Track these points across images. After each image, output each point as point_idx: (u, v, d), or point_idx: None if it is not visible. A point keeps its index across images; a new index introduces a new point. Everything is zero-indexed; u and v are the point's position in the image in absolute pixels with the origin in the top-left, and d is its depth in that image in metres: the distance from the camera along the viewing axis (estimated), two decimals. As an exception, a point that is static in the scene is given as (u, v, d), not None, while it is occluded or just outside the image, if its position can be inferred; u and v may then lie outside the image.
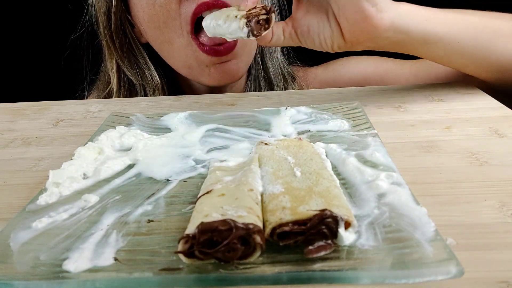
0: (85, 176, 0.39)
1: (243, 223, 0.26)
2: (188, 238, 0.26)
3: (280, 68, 0.76)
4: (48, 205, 0.34)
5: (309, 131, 0.46)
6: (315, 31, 0.50)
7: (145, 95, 0.71)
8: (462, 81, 0.61)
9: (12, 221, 0.32)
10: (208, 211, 0.28)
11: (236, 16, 0.49)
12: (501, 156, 0.40)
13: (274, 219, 0.28)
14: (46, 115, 0.59)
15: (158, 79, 0.70)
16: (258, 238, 0.26)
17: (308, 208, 0.28)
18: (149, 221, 0.32)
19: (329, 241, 0.27)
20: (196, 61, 0.65)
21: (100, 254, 0.28)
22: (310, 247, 0.26)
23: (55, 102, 0.63)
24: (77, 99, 0.67)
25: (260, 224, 0.28)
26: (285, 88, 0.76)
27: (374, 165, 0.37)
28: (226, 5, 0.60)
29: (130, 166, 0.41)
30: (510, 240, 0.29)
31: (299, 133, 0.46)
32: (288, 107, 0.51)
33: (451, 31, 0.51)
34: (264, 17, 0.49)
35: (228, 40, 0.54)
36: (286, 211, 0.28)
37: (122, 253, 0.28)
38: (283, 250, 0.27)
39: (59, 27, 0.86)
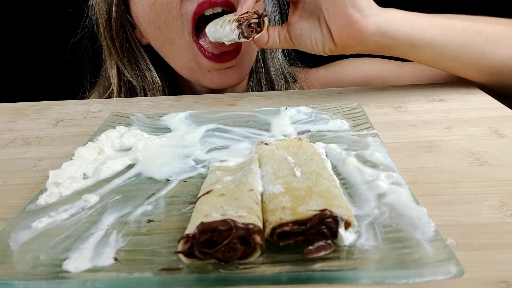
0: (85, 176, 0.39)
1: (243, 223, 0.26)
2: (188, 238, 0.26)
3: (281, 69, 0.76)
4: (48, 205, 0.34)
5: (309, 131, 0.46)
6: (307, 35, 0.54)
7: (146, 96, 0.70)
8: (462, 81, 0.61)
9: (12, 221, 0.32)
10: (208, 211, 0.28)
11: (229, 20, 0.53)
12: (501, 156, 0.40)
13: (274, 219, 0.28)
14: (46, 115, 0.59)
15: (159, 81, 0.70)
16: (258, 238, 0.26)
17: (308, 208, 0.28)
18: (149, 221, 0.32)
19: (329, 241, 0.27)
20: (198, 65, 0.65)
21: (100, 254, 0.28)
22: (310, 247, 0.26)
23: (55, 102, 0.63)
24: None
25: (260, 224, 0.28)
26: (287, 89, 0.76)
27: (374, 165, 0.37)
28: (227, 3, 0.60)
29: (130, 166, 0.41)
30: (510, 240, 0.29)
31: (299, 133, 0.46)
32: (288, 107, 0.51)
33: (439, 36, 0.53)
34: (256, 20, 0.53)
35: (226, 44, 0.57)
36: (286, 211, 0.28)
37: (122, 253, 0.28)
38: (283, 250, 0.27)
39: (59, 29, 0.86)
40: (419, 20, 0.53)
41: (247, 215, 0.28)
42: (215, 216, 0.27)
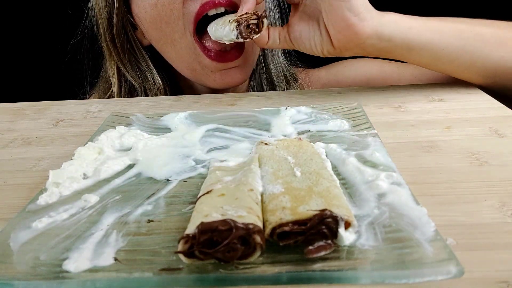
0: (85, 176, 0.39)
1: (243, 223, 0.26)
2: (188, 238, 0.26)
3: (282, 69, 0.76)
4: (48, 205, 0.34)
5: (309, 131, 0.46)
6: (307, 36, 0.56)
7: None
8: (462, 81, 0.61)
9: (12, 221, 0.32)
10: (208, 211, 0.28)
11: (229, 21, 0.55)
12: (501, 156, 0.40)
13: (274, 219, 0.28)
14: (46, 115, 0.59)
15: (160, 82, 0.70)
16: (258, 238, 0.26)
17: (308, 208, 0.28)
18: (149, 221, 0.32)
19: (329, 241, 0.27)
20: (200, 65, 0.65)
21: (100, 254, 0.28)
22: (310, 247, 0.26)
23: (55, 102, 0.63)
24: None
25: (260, 224, 0.28)
26: (287, 89, 0.76)
27: (374, 165, 0.37)
28: (231, 3, 0.60)
29: (130, 166, 0.41)
30: (510, 240, 0.29)
31: (299, 133, 0.46)
32: (288, 107, 0.51)
33: (436, 39, 0.54)
34: (255, 21, 0.54)
35: (226, 43, 0.58)
36: (286, 211, 0.28)
37: (122, 253, 0.28)
38: (283, 250, 0.27)
39: (59, 29, 0.86)
40: (416, 23, 0.54)
41: (247, 215, 0.28)
42: (215, 216, 0.27)
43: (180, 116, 0.51)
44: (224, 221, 0.26)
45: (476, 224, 0.30)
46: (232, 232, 0.26)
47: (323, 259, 0.27)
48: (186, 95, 0.66)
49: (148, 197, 0.35)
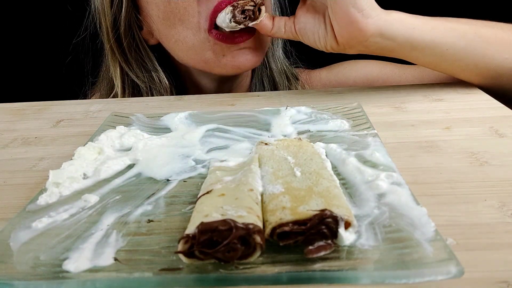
0: (85, 176, 0.39)
1: (243, 223, 0.26)
2: (188, 238, 0.26)
3: (283, 67, 0.76)
4: (48, 205, 0.34)
5: (309, 131, 0.46)
6: (311, 29, 0.56)
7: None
8: (462, 81, 0.61)
9: (12, 221, 0.32)
10: (208, 211, 0.28)
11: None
12: (501, 156, 0.40)
13: (274, 219, 0.28)
14: (46, 115, 0.59)
15: (166, 82, 0.69)
16: (258, 238, 0.26)
17: (308, 208, 0.28)
18: (149, 221, 0.32)
19: (329, 241, 0.27)
20: (213, 53, 0.63)
21: (100, 254, 0.28)
22: (310, 247, 0.26)
23: (55, 102, 0.63)
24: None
25: (260, 224, 0.28)
26: (289, 88, 0.76)
27: (374, 165, 0.37)
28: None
29: (130, 166, 0.41)
30: (510, 240, 0.29)
31: (299, 133, 0.46)
32: (288, 107, 0.51)
33: (439, 39, 0.54)
34: (251, 8, 0.56)
35: (226, 30, 0.59)
36: (286, 211, 0.28)
37: (122, 253, 0.28)
38: (283, 250, 0.27)
39: (59, 29, 0.86)
40: (420, 23, 0.54)
41: (247, 215, 0.28)
42: (215, 216, 0.27)
43: (180, 116, 0.51)
44: (224, 221, 0.26)
45: (476, 224, 0.30)
46: (232, 232, 0.26)
47: (323, 259, 0.26)
48: (186, 95, 0.66)
49: (148, 197, 0.35)
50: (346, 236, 0.27)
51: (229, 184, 0.33)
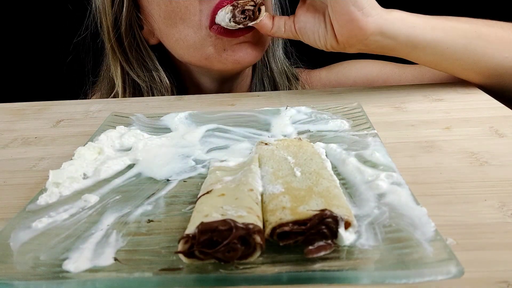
0: (85, 176, 0.39)
1: (243, 223, 0.26)
2: (188, 238, 0.26)
3: (283, 67, 0.76)
4: (48, 205, 0.34)
5: (309, 131, 0.46)
6: (311, 28, 0.56)
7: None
8: (462, 81, 0.61)
9: (12, 221, 0.32)
10: (208, 211, 0.28)
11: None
12: (501, 156, 0.40)
13: (274, 219, 0.28)
14: (46, 115, 0.59)
15: (167, 81, 0.69)
16: (258, 238, 0.26)
17: (308, 208, 0.28)
18: (149, 221, 0.32)
19: (329, 241, 0.27)
20: (214, 48, 0.63)
21: (100, 254, 0.28)
22: (310, 247, 0.26)
23: (55, 102, 0.63)
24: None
25: (260, 224, 0.28)
26: (289, 88, 0.76)
27: (374, 165, 0.37)
28: None
29: (130, 166, 0.41)
30: (510, 240, 0.29)
31: (299, 133, 0.46)
32: (288, 107, 0.51)
33: (440, 38, 0.54)
34: (251, 7, 0.56)
35: (225, 26, 0.59)
36: (286, 211, 0.28)
37: (122, 253, 0.28)
38: (283, 250, 0.27)
39: (59, 28, 0.86)
40: (421, 22, 0.54)
41: (247, 215, 0.28)
42: (215, 216, 0.27)
43: (180, 116, 0.51)
44: (224, 221, 0.26)
45: (476, 224, 0.30)
46: (232, 232, 0.26)
47: (323, 259, 0.26)
48: (186, 95, 0.66)
49: (148, 197, 0.35)
50: (346, 236, 0.27)
51: (229, 184, 0.33)
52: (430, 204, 0.32)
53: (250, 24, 0.57)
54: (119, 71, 0.69)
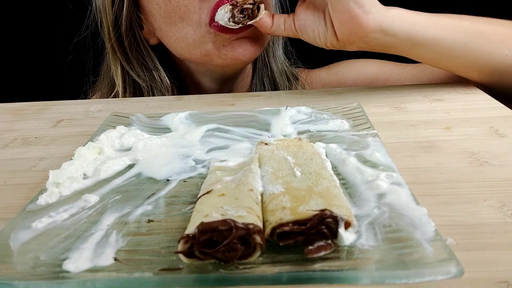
0: (85, 176, 0.39)
1: (243, 223, 0.26)
2: (188, 238, 0.26)
3: (283, 67, 0.76)
4: (48, 205, 0.34)
5: (309, 131, 0.46)
6: (311, 26, 0.56)
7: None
8: (462, 81, 0.61)
9: (12, 221, 0.32)
10: (208, 211, 0.28)
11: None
12: (501, 156, 0.40)
13: (274, 219, 0.28)
14: (46, 115, 0.59)
15: (168, 81, 0.69)
16: (258, 238, 0.26)
17: (308, 208, 0.28)
18: (149, 221, 0.32)
19: (329, 241, 0.27)
20: (214, 44, 0.63)
21: (100, 254, 0.28)
22: (310, 247, 0.26)
23: (55, 102, 0.63)
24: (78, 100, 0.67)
25: (260, 224, 0.28)
26: (289, 88, 0.76)
27: (374, 165, 0.37)
28: None
29: (130, 166, 0.41)
30: (510, 240, 0.29)
31: (299, 133, 0.46)
32: (288, 107, 0.51)
33: (440, 35, 0.54)
34: (250, 6, 0.56)
35: (224, 25, 0.59)
36: (286, 211, 0.28)
37: (122, 253, 0.28)
38: (283, 250, 0.27)
39: (59, 28, 0.86)
40: (421, 19, 0.54)
41: (247, 215, 0.28)
42: (215, 216, 0.27)
43: (180, 116, 0.51)
44: (224, 221, 0.26)
45: (476, 224, 0.30)
46: (232, 232, 0.26)
47: (323, 259, 0.26)
48: (185, 95, 0.66)
49: (148, 197, 0.35)
50: (346, 236, 0.27)
51: (229, 184, 0.33)
52: (430, 204, 0.32)
53: (249, 22, 0.57)
54: (119, 70, 0.69)
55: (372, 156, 0.38)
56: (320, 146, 0.41)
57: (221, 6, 0.59)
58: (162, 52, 0.70)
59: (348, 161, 0.38)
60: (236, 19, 0.56)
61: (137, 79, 0.69)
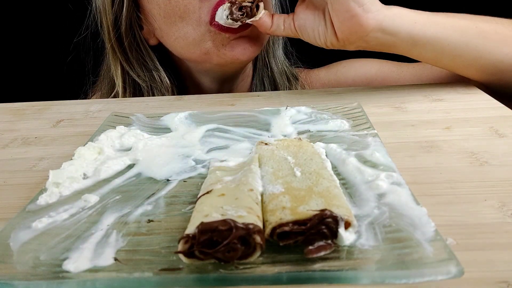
0: (85, 176, 0.39)
1: (243, 223, 0.26)
2: (188, 238, 0.26)
3: (283, 67, 0.77)
4: (48, 205, 0.34)
5: (309, 131, 0.46)
6: (311, 26, 0.56)
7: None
8: (462, 81, 0.61)
9: (12, 221, 0.32)
10: (208, 211, 0.28)
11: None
12: (501, 156, 0.40)
13: (274, 219, 0.28)
14: (46, 115, 0.59)
15: (168, 81, 0.69)
16: (258, 238, 0.26)
17: (308, 208, 0.28)
18: (149, 221, 0.32)
19: (329, 241, 0.27)
20: (213, 42, 0.63)
21: (100, 254, 0.28)
22: (310, 247, 0.26)
23: (55, 102, 0.63)
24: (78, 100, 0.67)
25: (260, 224, 0.28)
26: (289, 88, 0.76)
27: (374, 165, 0.37)
28: None
29: (130, 166, 0.41)
30: (510, 240, 0.29)
31: (299, 133, 0.46)
32: (288, 107, 0.51)
33: (441, 34, 0.54)
34: (248, 4, 0.56)
35: (223, 24, 0.59)
36: (286, 211, 0.28)
37: (122, 253, 0.28)
38: (283, 250, 0.27)
39: (59, 28, 0.86)
40: (421, 18, 0.54)
41: (247, 215, 0.28)
42: (215, 216, 0.27)
43: (180, 116, 0.51)
44: (224, 221, 0.26)
45: (476, 224, 0.30)
46: (232, 232, 0.26)
47: (323, 259, 0.26)
48: (185, 95, 0.66)
49: (148, 197, 0.35)
50: (346, 236, 0.27)
51: (229, 184, 0.33)
52: (430, 204, 0.32)
53: (248, 21, 0.57)
54: (119, 71, 0.69)
55: (372, 156, 0.38)
56: (320, 146, 0.41)
57: (221, 4, 0.60)
58: (162, 52, 0.70)
59: (348, 161, 0.38)
60: (234, 16, 0.56)
61: (137, 79, 0.69)
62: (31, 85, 1.16)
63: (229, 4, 0.57)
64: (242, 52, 0.64)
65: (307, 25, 0.56)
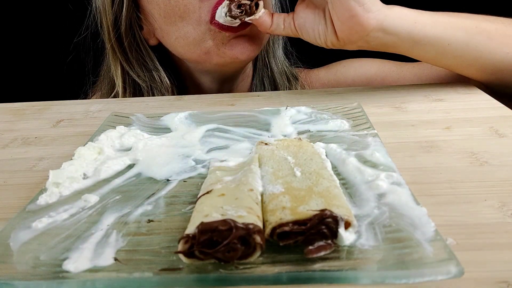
0: (85, 176, 0.39)
1: (243, 223, 0.26)
2: (188, 238, 0.26)
3: (283, 67, 0.76)
4: (48, 205, 0.34)
5: (309, 131, 0.46)
6: (311, 25, 0.55)
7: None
8: (462, 81, 0.61)
9: (12, 221, 0.32)
10: (208, 211, 0.28)
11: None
12: (501, 156, 0.40)
13: (274, 219, 0.28)
14: (46, 115, 0.59)
15: (167, 81, 0.69)
16: (258, 238, 0.26)
17: (308, 208, 0.28)
18: (149, 221, 0.32)
19: (329, 241, 0.27)
20: (213, 41, 0.63)
21: (100, 254, 0.28)
22: (310, 247, 0.26)
23: (55, 102, 0.63)
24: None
25: (260, 224, 0.28)
26: (289, 88, 0.76)
27: (374, 165, 0.37)
28: None
29: (130, 166, 0.41)
30: (510, 240, 0.29)
31: (299, 133, 0.46)
32: (288, 107, 0.51)
33: (441, 34, 0.54)
34: (247, 2, 0.56)
35: (223, 23, 0.59)
36: (286, 211, 0.28)
37: (122, 253, 0.28)
38: (283, 250, 0.27)
39: (59, 28, 0.86)
40: (422, 18, 0.54)
41: (247, 215, 0.28)
42: (215, 216, 0.27)
43: (180, 116, 0.51)
44: (224, 221, 0.26)
45: (476, 224, 0.30)
46: (232, 232, 0.26)
47: (323, 259, 0.26)
48: (185, 95, 0.66)
49: (148, 197, 0.35)
50: (346, 236, 0.27)
51: (229, 184, 0.33)
52: (430, 204, 0.32)
53: (247, 19, 0.57)
54: (119, 71, 0.69)
55: (372, 156, 0.38)
56: (320, 146, 0.41)
57: (221, 3, 0.60)
58: (162, 53, 0.70)
59: (348, 161, 0.38)
60: (232, 13, 0.56)
61: (137, 79, 0.69)
62: (31, 85, 1.16)
63: (227, 2, 0.57)
64: (242, 51, 0.64)
65: (307, 25, 0.56)
